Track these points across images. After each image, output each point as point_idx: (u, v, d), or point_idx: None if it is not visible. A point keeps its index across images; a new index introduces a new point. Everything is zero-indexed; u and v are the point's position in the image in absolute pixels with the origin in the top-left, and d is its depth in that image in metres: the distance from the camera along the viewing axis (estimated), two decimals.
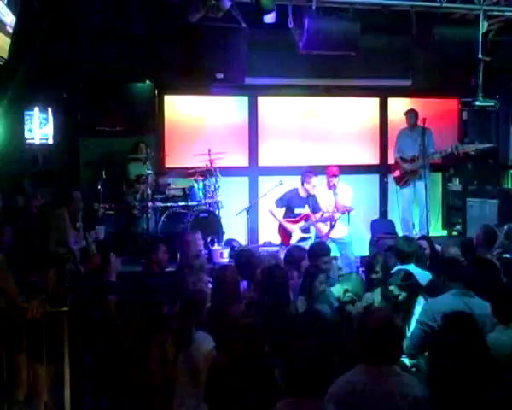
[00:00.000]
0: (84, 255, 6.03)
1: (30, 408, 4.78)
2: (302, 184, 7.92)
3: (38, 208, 7.00)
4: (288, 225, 7.89)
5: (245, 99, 9.84)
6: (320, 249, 5.98)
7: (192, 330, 4.33)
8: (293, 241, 7.76)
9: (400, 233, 9.22)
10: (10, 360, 4.74)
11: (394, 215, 9.71)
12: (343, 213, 7.95)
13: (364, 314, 3.78)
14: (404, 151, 9.27)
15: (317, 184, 7.93)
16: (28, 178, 8.19)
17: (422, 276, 5.43)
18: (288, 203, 7.93)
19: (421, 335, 4.46)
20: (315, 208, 7.92)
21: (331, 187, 8.07)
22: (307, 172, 7.95)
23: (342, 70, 9.31)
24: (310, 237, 7.90)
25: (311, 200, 7.90)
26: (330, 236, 7.81)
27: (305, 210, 7.88)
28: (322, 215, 7.91)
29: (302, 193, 7.92)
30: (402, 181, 9.31)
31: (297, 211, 7.90)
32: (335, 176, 8.07)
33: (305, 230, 7.90)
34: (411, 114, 9.27)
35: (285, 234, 7.92)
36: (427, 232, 8.90)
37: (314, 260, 5.72)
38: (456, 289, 4.59)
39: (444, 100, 10.41)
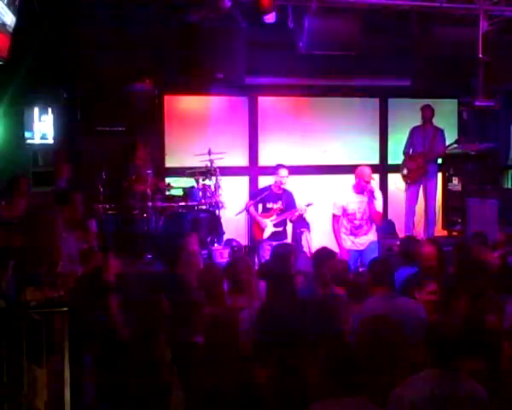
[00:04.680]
0: (85, 256, 5.99)
1: (30, 408, 4.78)
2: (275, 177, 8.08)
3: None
4: (261, 220, 8.01)
5: (245, 99, 9.84)
6: (325, 254, 5.66)
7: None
8: (265, 235, 7.94)
9: (401, 233, 9.24)
10: (10, 360, 4.74)
11: (394, 215, 9.70)
12: (370, 222, 7.41)
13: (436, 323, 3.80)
14: (415, 146, 9.34)
15: (286, 176, 7.97)
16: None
17: None
18: (262, 199, 8.06)
19: None
20: (288, 205, 8.00)
21: (365, 193, 7.32)
22: (278, 165, 8.12)
23: (342, 70, 9.30)
24: (283, 231, 8.00)
25: (284, 196, 8.00)
26: (356, 248, 7.41)
27: (278, 205, 7.96)
28: (295, 214, 7.94)
29: (275, 189, 8.02)
30: (410, 179, 9.31)
31: (269, 206, 8.03)
32: (368, 182, 7.31)
33: (278, 224, 7.98)
34: (427, 109, 9.29)
35: (258, 229, 8.07)
36: (432, 232, 8.91)
37: (320, 266, 5.43)
38: (382, 291, 4.57)
39: (444, 100, 10.41)
